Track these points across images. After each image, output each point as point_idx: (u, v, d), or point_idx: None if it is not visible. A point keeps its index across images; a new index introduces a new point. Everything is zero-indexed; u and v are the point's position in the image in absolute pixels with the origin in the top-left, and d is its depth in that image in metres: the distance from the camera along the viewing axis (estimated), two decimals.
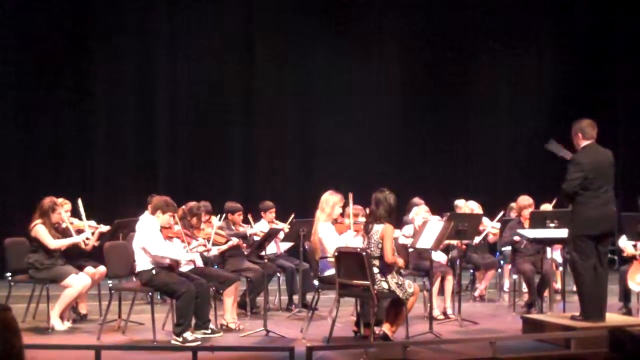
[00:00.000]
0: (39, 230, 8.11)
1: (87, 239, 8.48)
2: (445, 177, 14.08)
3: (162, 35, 13.46)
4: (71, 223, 8.46)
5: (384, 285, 7.23)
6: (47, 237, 8.09)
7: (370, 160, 14.05)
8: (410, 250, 8.84)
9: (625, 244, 9.31)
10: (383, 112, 14.46)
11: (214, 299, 8.33)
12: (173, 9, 13.48)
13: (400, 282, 7.28)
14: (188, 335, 7.35)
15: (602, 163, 7.41)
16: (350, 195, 8.16)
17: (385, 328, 7.31)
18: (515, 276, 9.73)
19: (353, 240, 8.02)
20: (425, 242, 8.05)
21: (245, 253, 9.10)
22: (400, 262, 7.45)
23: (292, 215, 9.62)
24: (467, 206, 10.29)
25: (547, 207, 10.07)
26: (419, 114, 14.48)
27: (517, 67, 15.00)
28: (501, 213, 10.24)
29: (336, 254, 7.37)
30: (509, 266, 10.09)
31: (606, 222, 7.35)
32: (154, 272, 7.53)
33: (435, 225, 8.15)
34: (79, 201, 8.54)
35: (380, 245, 7.28)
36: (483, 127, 14.90)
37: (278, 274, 9.75)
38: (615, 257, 13.03)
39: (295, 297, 9.48)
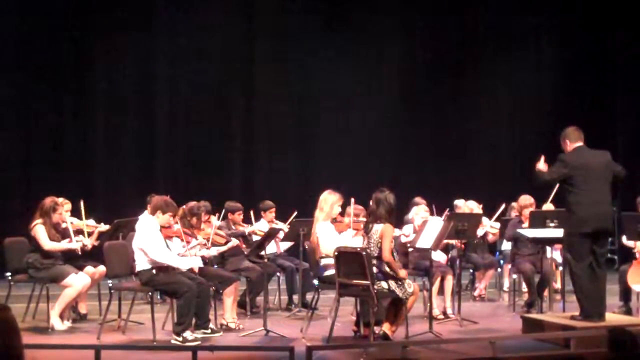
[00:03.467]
0: (38, 230, 8.10)
1: (84, 245, 8.46)
2: (444, 177, 14.07)
3: (162, 35, 13.45)
4: (71, 223, 8.46)
5: (384, 284, 7.23)
6: (44, 238, 8.08)
7: (370, 160, 14.04)
8: (410, 249, 8.84)
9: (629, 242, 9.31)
10: (383, 111, 14.46)
11: (214, 298, 8.33)
12: (173, 9, 13.47)
13: (400, 282, 7.28)
14: (188, 334, 7.35)
15: (592, 164, 7.42)
16: (352, 201, 8.19)
17: (385, 328, 7.31)
18: (515, 276, 9.74)
19: (352, 240, 8.01)
20: (425, 241, 8.05)
21: (245, 253, 9.10)
22: (403, 273, 7.39)
23: (294, 214, 9.61)
24: (466, 206, 10.30)
25: (548, 206, 10.07)
26: (418, 114, 14.47)
27: (517, 67, 14.98)
28: (500, 210, 10.23)
29: (336, 253, 7.37)
30: (509, 266, 10.09)
31: (599, 220, 7.34)
32: (154, 271, 7.53)
33: (435, 224, 8.16)
34: (81, 203, 8.53)
35: (379, 245, 7.28)
36: (482, 127, 14.89)
37: (278, 274, 9.75)
38: (615, 257, 13.05)
39: (295, 297, 9.49)
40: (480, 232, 9.81)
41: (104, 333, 7.68)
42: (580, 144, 7.51)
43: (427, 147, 14.49)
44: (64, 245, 8.20)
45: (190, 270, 7.88)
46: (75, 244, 8.25)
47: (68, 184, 11.43)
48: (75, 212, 8.74)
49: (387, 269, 7.29)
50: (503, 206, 10.25)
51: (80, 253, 8.34)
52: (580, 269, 7.34)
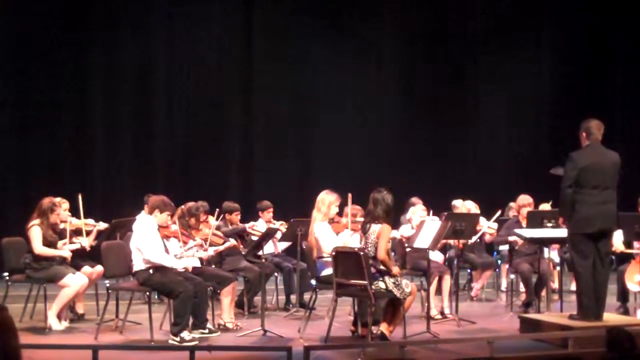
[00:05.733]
0: (32, 231, 8.07)
1: (83, 246, 8.45)
2: (443, 177, 14.07)
3: (162, 34, 13.45)
4: (69, 222, 8.45)
5: (382, 284, 7.23)
6: (37, 240, 8.04)
7: (369, 160, 14.03)
8: (408, 249, 8.84)
9: (617, 241, 9.22)
10: (382, 112, 14.46)
11: (212, 298, 8.32)
12: (172, 9, 13.46)
13: (397, 282, 7.27)
14: (185, 334, 7.34)
15: (600, 163, 7.41)
16: (350, 197, 8.17)
17: (383, 328, 7.31)
18: (512, 276, 9.74)
19: (351, 239, 8.00)
20: (423, 241, 8.05)
21: (243, 253, 9.09)
22: (396, 270, 7.38)
23: (285, 224, 9.63)
24: (464, 206, 10.29)
25: (545, 207, 10.07)
26: (417, 114, 14.49)
27: (516, 67, 14.99)
28: (498, 213, 10.22)
29: (333, 253, 7.37)
30: (507, 266, 10.10)
31: (603, 220, 7.34)
32: (151, 271, 7.52)
33: (433, 224, 8.15)
34: (79, 198, 8.54)
35: (377, 245, 7.27)
36: (481, 127, 14.91)
37: (275, 274, 9.74)
38: (613, 257, 13.03)
39: (293, 297, 9.48)
40: (473, 238, 9.76)
41: (101, 333, 7.68)
42: (595, 141, 7.49)
43: (426, 147, 14.48)
44: (55, 252, 8.15)
45: (185, 269, 7.87)
46: (66, 251, 8.23)
47: (66, 184, 11.41)
48: (73, 210, 8.72)
49: (382, 267, 7.28)
50: (499, 212, 10.17)
51: (69, 261, 8.29)
52: (583, 267, 7.34)
